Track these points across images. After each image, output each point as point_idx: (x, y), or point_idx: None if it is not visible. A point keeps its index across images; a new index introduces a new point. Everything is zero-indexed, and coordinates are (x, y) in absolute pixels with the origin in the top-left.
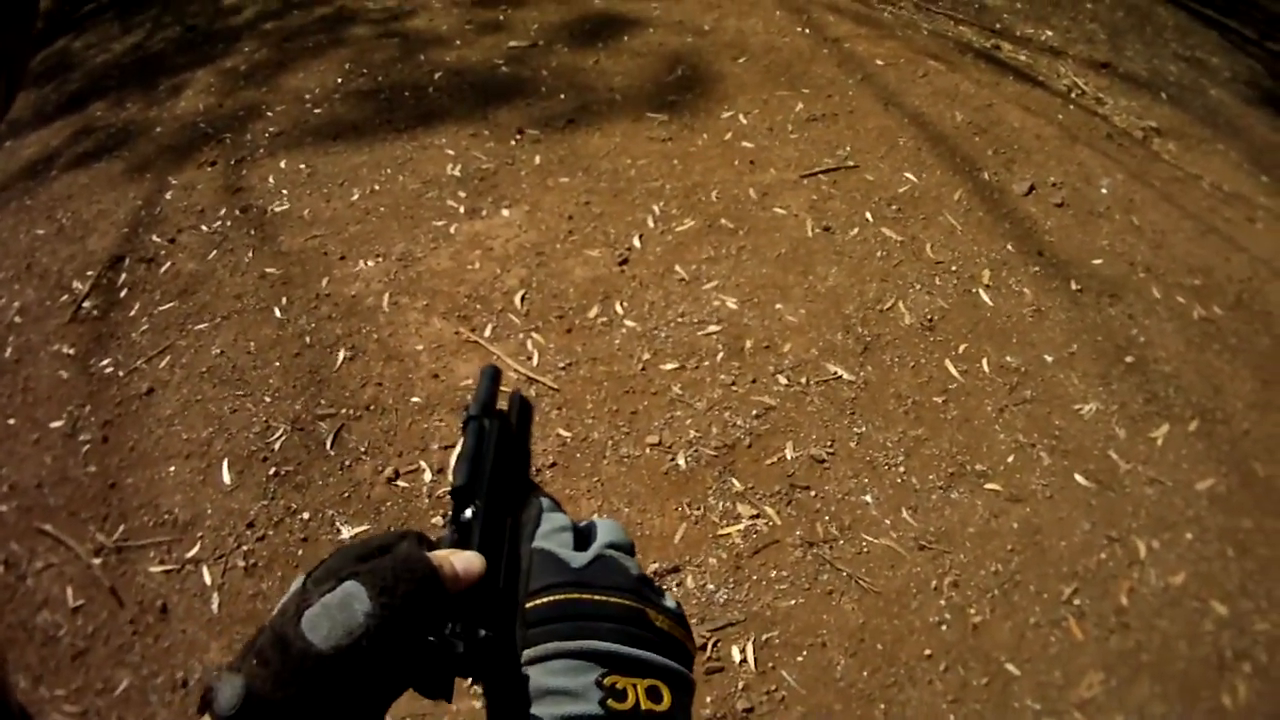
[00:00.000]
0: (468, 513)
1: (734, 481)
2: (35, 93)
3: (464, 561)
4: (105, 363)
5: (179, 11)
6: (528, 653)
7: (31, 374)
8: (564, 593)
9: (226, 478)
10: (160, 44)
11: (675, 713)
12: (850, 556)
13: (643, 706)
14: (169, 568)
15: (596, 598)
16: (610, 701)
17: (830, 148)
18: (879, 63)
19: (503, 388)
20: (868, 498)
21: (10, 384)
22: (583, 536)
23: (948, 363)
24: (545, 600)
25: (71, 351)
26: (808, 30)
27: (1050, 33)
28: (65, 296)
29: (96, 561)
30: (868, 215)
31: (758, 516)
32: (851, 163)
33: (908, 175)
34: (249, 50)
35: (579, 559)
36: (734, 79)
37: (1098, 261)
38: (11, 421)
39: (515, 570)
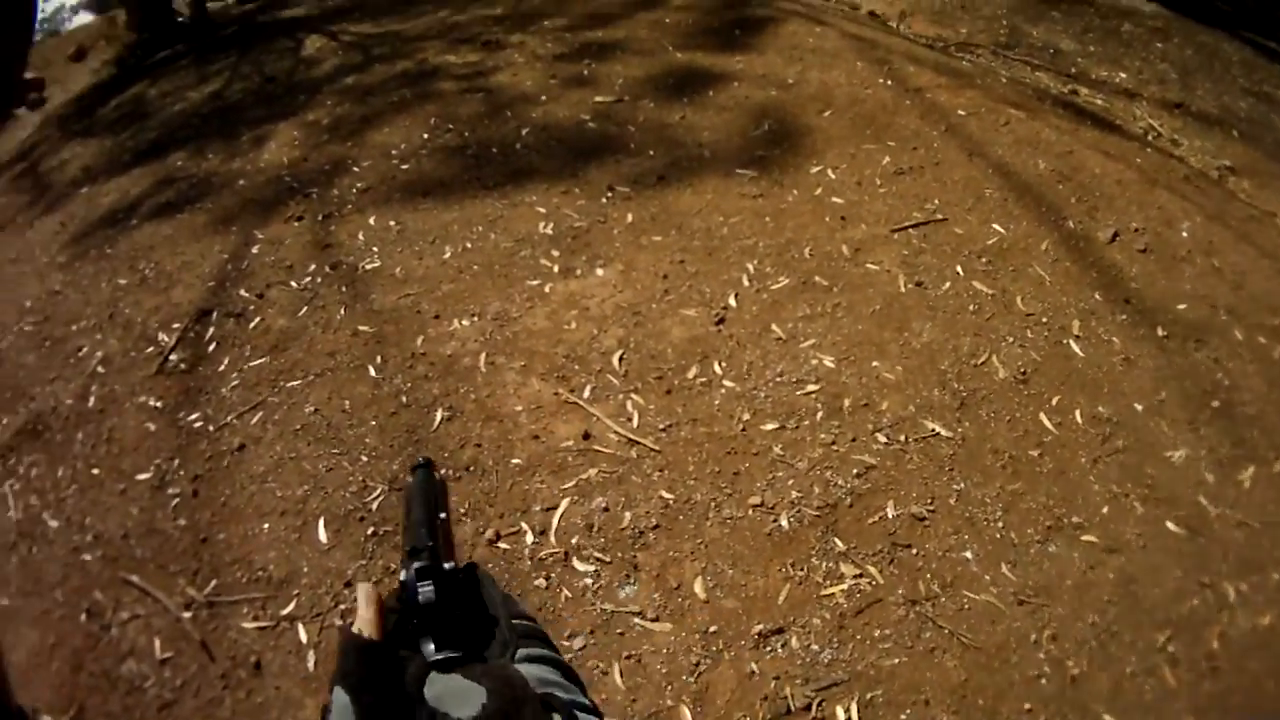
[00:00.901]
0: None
1: (836, 541)
2: (111, 140)
3: (362, 603)
4: (194, 417)
5: (257, 62)
6: (523, 652)
7: (116, 425)
8: (533, 622)
9: (323, 536)
10: (239, 94)
11: None
12: (951, 613)
13: None
14: (263, 624)
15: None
16: (592, 702)
17: (919, 201)
18: (961, 113)
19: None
20: (968, 554)
21: (94, 434)
22: None
23: (1042, 415)
24: (524, 623)
25: (159, 404)
26: (890, 81)
27: (1123, 75)
28: (151, 348)
29: (186, 615)
30: (959, 269)
31: (861, 576)
32: (940, 215)
33: (995, 227)
34: (331, 104)
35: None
36: (821, 133)
37: (1182, 306)
38: (96, 471)
39: (478, 589)
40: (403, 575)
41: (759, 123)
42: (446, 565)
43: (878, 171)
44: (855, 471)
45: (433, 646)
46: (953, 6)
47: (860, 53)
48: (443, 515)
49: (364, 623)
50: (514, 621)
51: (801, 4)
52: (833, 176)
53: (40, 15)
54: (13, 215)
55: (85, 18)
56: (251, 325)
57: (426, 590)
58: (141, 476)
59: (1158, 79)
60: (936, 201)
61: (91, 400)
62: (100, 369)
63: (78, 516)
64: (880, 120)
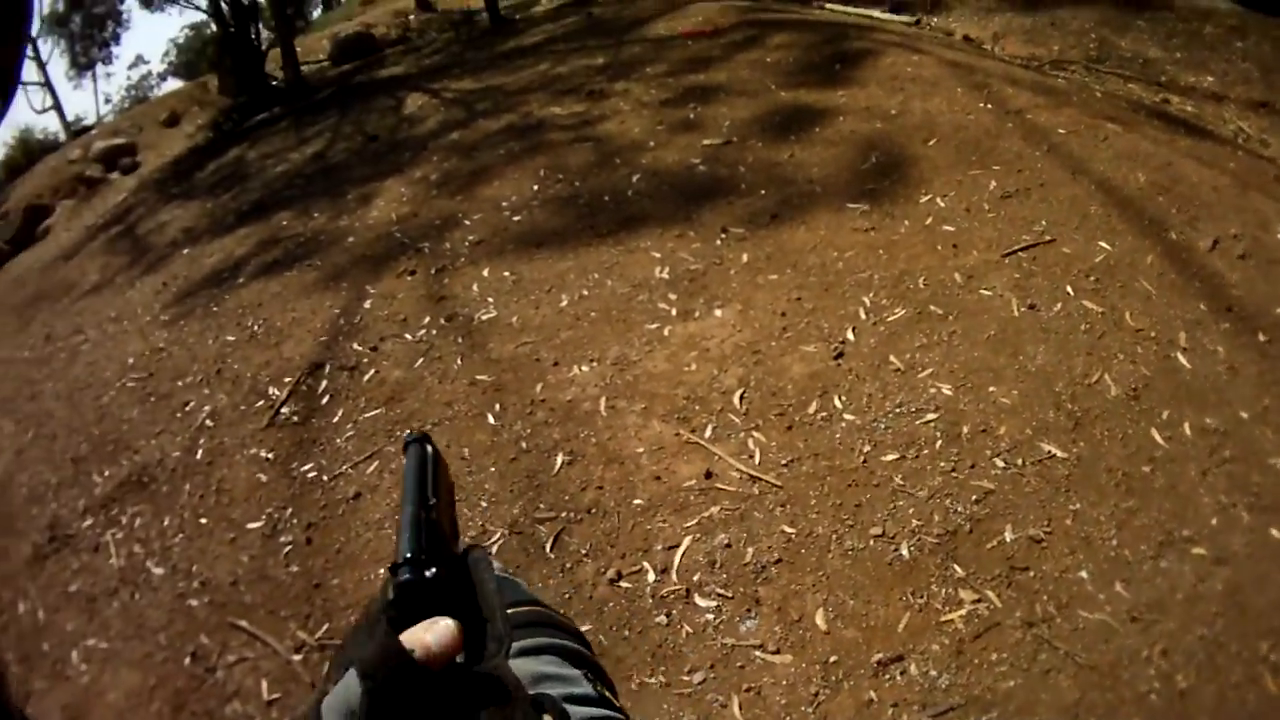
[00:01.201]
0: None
1: (955, 567)
2: (212, 201)
3: (437, 636)
4: (307, 467)
5: (358, 121)
6: (518, 645)
7: (226, 476)
8: (535, 607)
9: None
10: (342, 153)
11: None
12: (1067, 634)
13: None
14: None
15: (559, 616)
16: (599, 687)
17: (1027, 223)
18: (1061, 131)
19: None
20: (1083, 573)
21: (202, 485)
22: None
23: (1153, 431)
24: (525, 609)
25: (270, 455)
26: (990, 105)
27: (1210, 78)
28: (261, 402)
29: (296, 658)
30: (1069, 289)
31: (979, 601)
32: (1048, 237)
33: (1101, 244)
34: (438, 159)
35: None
36: (928, 162)
37: None
38: (204, 520)
39: (471, 581)
40: (389, 593)
41: (866, 156)
42: (429, 573)
43: (985, 196)
44: (974, 497)
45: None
46: (1042, 25)
47: (959, 78)
48: (433, 500)
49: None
50: (511, 611)
51: (897, 34)
52: (942, 204)
53: (127, 81)
54: (111, 276)
55: (174, 84)
56: (366, 378)
57: (401, 589)
58: (252, 525)
59: (1242, 79)
60: (1044, 223)
61: (199, 453)
62: (208, 422)
63: (184, 564)
64: (984, 145)
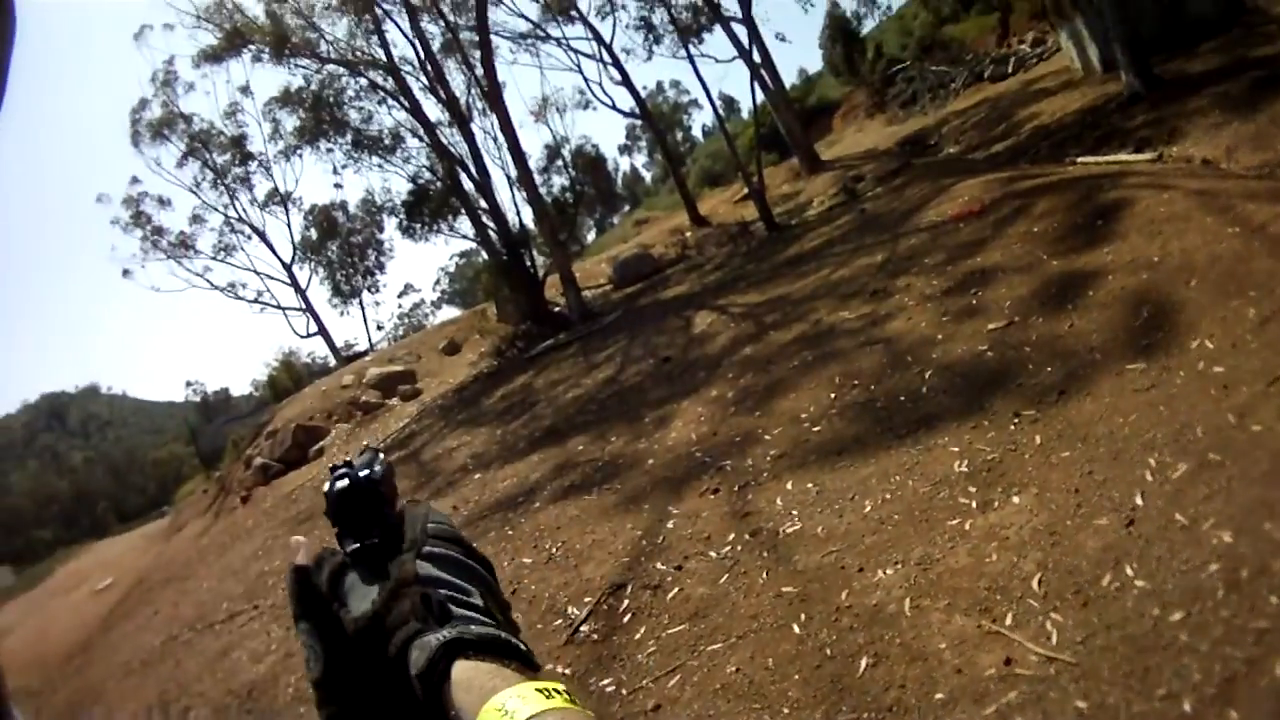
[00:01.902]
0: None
1: (1231, 713)
2: (501, 428)
3: (295, 546)
4: (606, 681)
5: (648, 343)
6: (426, 550)
7: None
8: (452, 527)
9: None
10: (635, 376)
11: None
12: None
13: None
14: None
15: (473, 544)
16: (489, 603)
17: None
18: None
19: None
20: None
21: None
22: None
23: None
24: (444, 527)
25: (567, 671)
26: (1237, 228)
27: None
28: (559, 621)
29: None
30: None
31: None
32: None
33: None
34: (732, 376)
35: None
36: (1193, 304)
37: None
38: None
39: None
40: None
41: (1138, 311)
42: (362, 472)
43: (1246, 328)
44: (1251, 640)
45: (353, 542)
46: (1264, 125)
47: (1205, 207)
48: (378, 469)
49: (304, 558)
50: (430, 525)
51: (1144, 174)
52: (1210, 346)
53: (399, 309)
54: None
55: (449, 311)
56: (670, 595)
57: (340, 484)
58: None
59: None
60: None
61: None
62: None
63: None
64: (1239, 273)
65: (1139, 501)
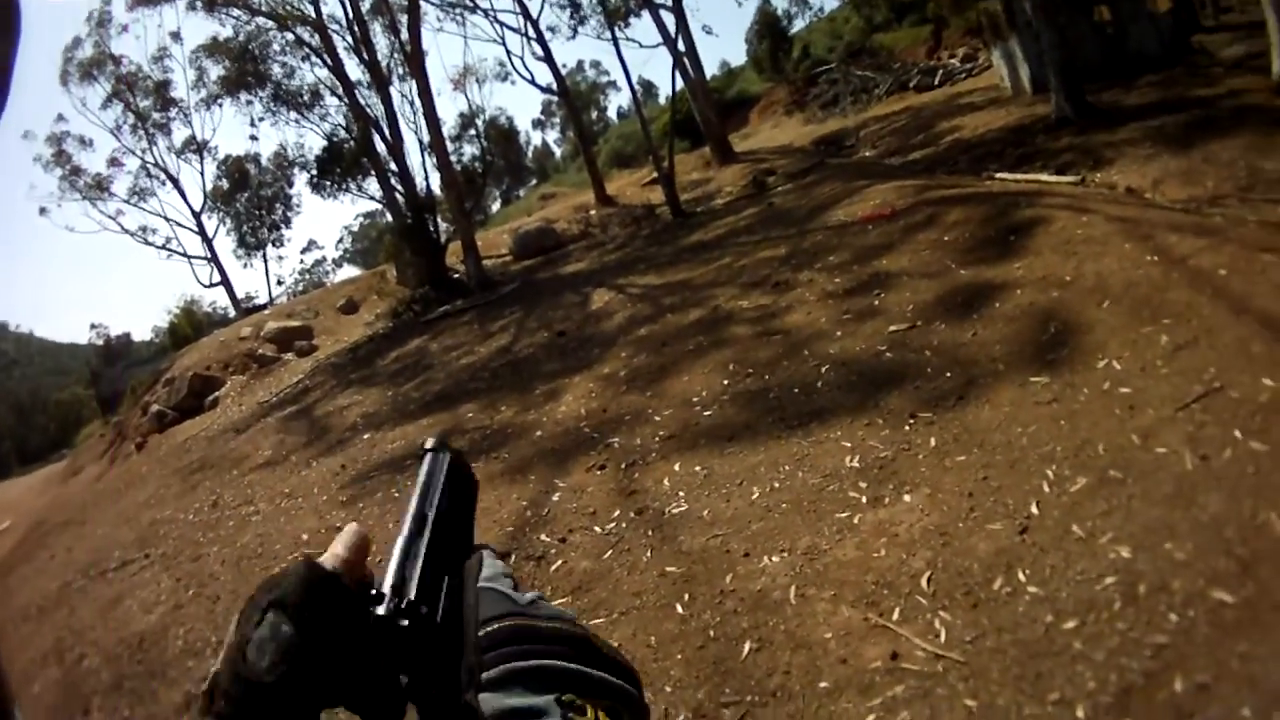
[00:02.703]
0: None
1: None
2: (393, 389)
3: (341, 542)
4: None
5: (543, 317)
6: (485, 676)
7: None
8: (514, 620)
9: None
10: (529, 349)
11: None
12: None
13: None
14: None
15: (545, 625)
16: (572, 715)
17: (1197, 374)
18: (1222, 272)
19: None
20: (1246, 710)
21: None
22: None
23: None
24: (506, 624)
25: None
26: (1156, 257)
27: None
28: None
29: None
30: (1236, 433)
31: None
32: (1217, 384)
33: (1265, 381)
34: (626, 355)
35: (523, 597)
36: (1102, 325)
37: None
38: None
39: (460, 609)
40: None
41: (1045, 326)
42: (425, 611)
43: (1157, 353)
44: (1148, 654)
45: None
46: (1196, 163)
47: (1125, 233)
48: (433, 512)
49: (336, 560)
50: (487, 630)
51: (1064, 195)
52: (1118, 367)
53: (300, 265)
54: (287, 453)
55: (349, 270)
56: (553, 568)
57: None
58: None
59: None
60: (1212, 370)
61: None
62: None
63: None
64: (1154, 300)
65: (1034, 510)
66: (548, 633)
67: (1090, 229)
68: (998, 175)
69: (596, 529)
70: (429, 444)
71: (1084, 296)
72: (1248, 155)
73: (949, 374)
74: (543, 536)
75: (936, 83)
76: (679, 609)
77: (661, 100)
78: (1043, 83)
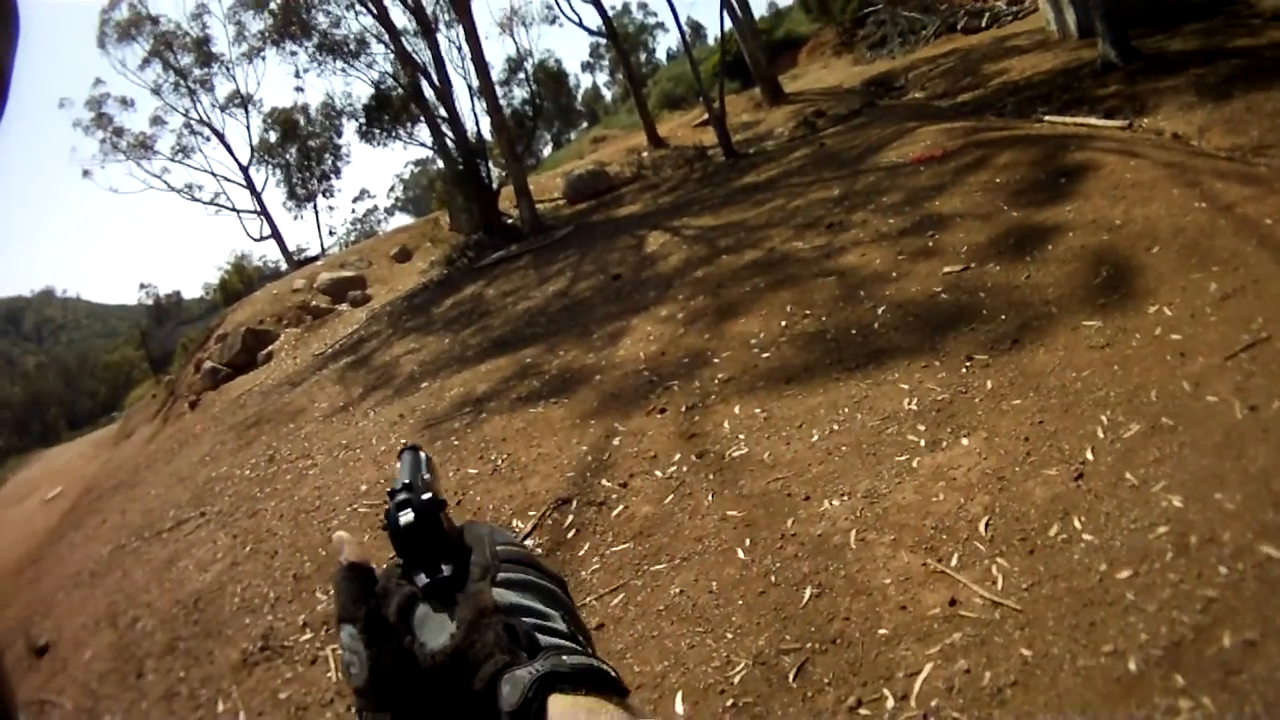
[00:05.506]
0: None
1: (1177, 677)
2: (450, 337)
3: (339, 543)
4: None
5: (598, 260)
6: (502, 576)
7: None
8: (522, 547)
9: (680, 708)
10: (586, 292)
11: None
12: None
13: (592, 650)
14: None
15: (543, 561)
16: (572, 628)
17: (1244, 323)
18: (1268, 221)
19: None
20: None
21: None
22: None
23: None
24: (513, 548)
25: None
26: (1204, 204)
27: None
28: None
29: None
30: None
31: (1195, 708)
32: (1264, 334)
33: None
34: (684, 297)
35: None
36: (1153, 271)
37: None
38: None
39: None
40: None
41: (1097, 270)
42: (425, 496)
43: (1206, 301)
44: (1198, 607)
45: (424, 576)
46: (1239, 112)
47: (1173, 179)
48: (427, 476)
49: (352, 555)
50: (498, 548)
51: (1113, 140)
52: (1169, 313)
53: (352, 215)
54: (344, 405)
55: (401, 219)
56: (614, 513)
57: (406, 517)
58: None
59: None
60: (1260, 320)
61: None
62: None
63: None
64: (1202, 246)
65: (1089, 456)
66: (546, 567)
67: (1139, 174)
68: (1047, 118)
69: (658, 473)
70: (405, 445)
71: (1134, 241)
72: None
73: (1003, 316)
74: (604, 482)
75: (983, 25)
76: (740, 554)
77: (710, 41)
78: (1088, 27)
